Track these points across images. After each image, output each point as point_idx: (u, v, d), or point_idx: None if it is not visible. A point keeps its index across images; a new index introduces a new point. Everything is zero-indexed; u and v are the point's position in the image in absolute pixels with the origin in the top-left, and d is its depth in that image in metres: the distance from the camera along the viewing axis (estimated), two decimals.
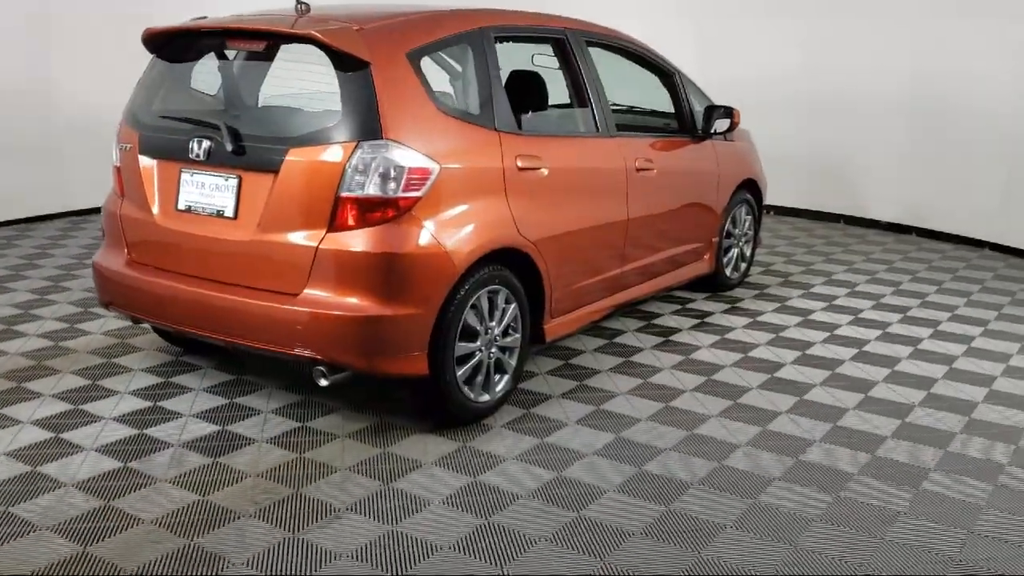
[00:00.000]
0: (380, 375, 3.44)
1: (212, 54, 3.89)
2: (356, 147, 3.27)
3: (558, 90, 4.52)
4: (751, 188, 5.89)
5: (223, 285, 3.51)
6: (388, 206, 3.29)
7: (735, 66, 8.84)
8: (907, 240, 7.88)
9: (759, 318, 5.29)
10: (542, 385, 4.13)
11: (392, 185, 3.29)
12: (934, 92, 7.71)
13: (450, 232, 3.42)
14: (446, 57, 4.01)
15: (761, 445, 3.58)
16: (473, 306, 3.59)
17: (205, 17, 3.86)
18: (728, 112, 5.17)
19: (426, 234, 3.35)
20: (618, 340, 4.80)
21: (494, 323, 3.71)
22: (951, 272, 6.66)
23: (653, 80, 5.18)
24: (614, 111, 5.69)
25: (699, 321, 5.19)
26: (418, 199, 3.33)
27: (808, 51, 8.45)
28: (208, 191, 3.55)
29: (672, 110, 5.24)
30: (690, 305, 5.51)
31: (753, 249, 6.08)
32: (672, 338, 4.87)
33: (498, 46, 3.89)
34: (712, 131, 5.23)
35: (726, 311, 5.41)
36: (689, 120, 5.18)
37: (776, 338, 4.92)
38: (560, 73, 4.41)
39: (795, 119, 8.54)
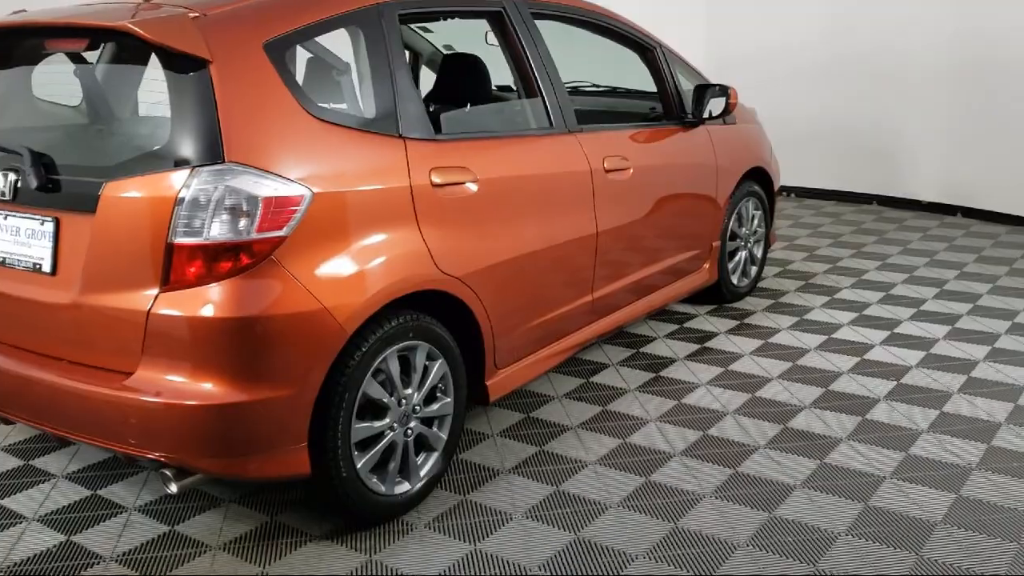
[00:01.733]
0: (244, 480, 2.59)
1: (54, 57, 3.05)
2: (190, 175, 2.40)
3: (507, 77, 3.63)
4: (759, 178, 4.94)
5: (43, 359, 2.68)
6: (239, 252, 2.43)
7: (749, 33, 7.85)
8: (952, 223, 6.85)
9: (772, 339, 4.36)
10: (488, 455, 3.26)
11: (243, 223, 2.42)
12: (980, 53, 6.66)
13: (332, 281, 2.55)
14: (326, 46, 3.09)
15: (763, 543, 2.69)
16: (379, 371, 2.74)
17: (24, 11, 3.01)
18: (723, 91, 4.22)
19: (295, 287, 2.47)
20: (596, 379, 3.90)
21: (411, 390, 2.85)
22: (1007, 263, 5.65)
23: (629, 58, 4.25)
24: (576, 99, 4.81)
25: (698, 347, 4.27)
26: (282, 240, 2.46)
27: (833, 11, 7.42)
28: (23, 239, 2.71)
29: (654, 93, 4.31)
30: (689, 324, 4.59)
31: (765, 249, 5.13)
32: (663, 373, 3.96)
33: (408, 26, 3.00)
34: (706, 114, 4.28)
35: (732, 330, 4.49)
36: (675, 104, 4.24)
37: (792, 369, 3.98)
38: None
39: (819, 89, 7.54)
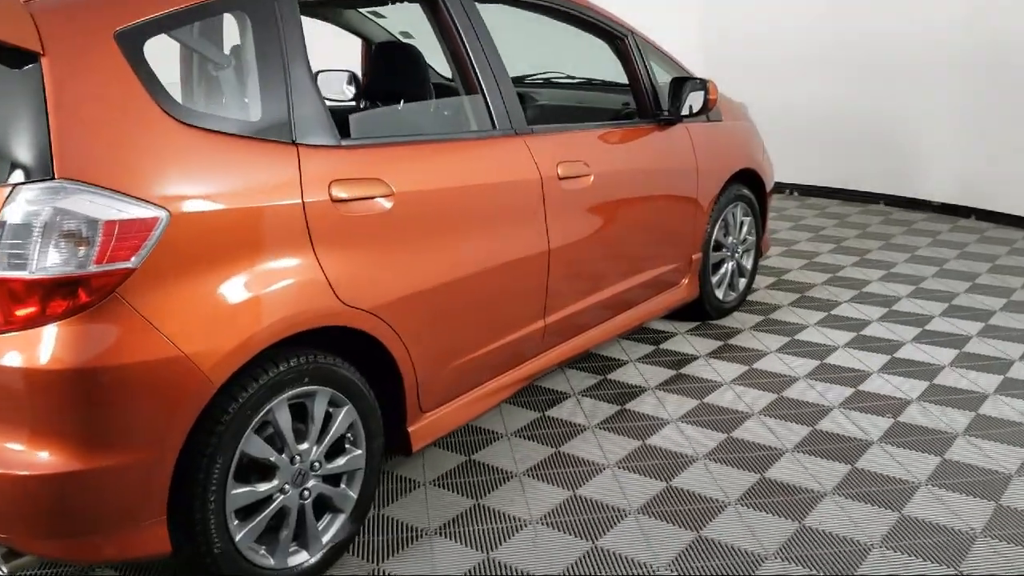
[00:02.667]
0: (87, 563, 2.17)
1: None
2: (11, 195, 1.96)
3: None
4: (750, 181, 4.45)
5: None
6: (76, 288, 1.98)
7: (748, 16, 7.33)
8: (965, 226, 6.34)
9: (758, 364, 3.88)
10: (413, 510, 2.81)
11: (80, 253, 1.97)
12: (998, 37, 6.12)
13: (194, 322, 2.10)
14: (201, 35, 2.60)
15: None
16: (266, 424, 2.30)
17: None
18: (702, 85, 3.74)
19: (147, 330, 2.03)
20: (552, 413, 3.45)
21: (307, 444, 2.41)
22: (1018, 271, 5.14)
23: (596, 48, 3.77)
24: (531, 96, 4.31)
25: (672, 373, 3.80)
26: (129, 272, 2.01)
27: None
28: None
29: (625, 88, 3.83)
30: (666, 344, 4.12)
31: (756, 259, 4.65)
32: (629, 406, 3.50)
33: (359, 11, 2.55)
34: (685, 111, 3.79)
35: (713, 353, 4.01)
36: (649, 100, 3.76)
37: (776, 403, 3.51)
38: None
39: (825, 78, 7.02)
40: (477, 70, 2.96)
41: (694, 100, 3.77)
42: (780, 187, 7.53)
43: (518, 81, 4.75)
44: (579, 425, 3.35)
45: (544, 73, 4.79)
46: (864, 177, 7.11)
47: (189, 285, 2.10)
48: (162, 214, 2.05)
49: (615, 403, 3.53)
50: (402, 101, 3.10)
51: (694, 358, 3.96)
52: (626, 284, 3.65)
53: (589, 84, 4.59)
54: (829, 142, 7.15)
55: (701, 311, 4.34)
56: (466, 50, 2.94)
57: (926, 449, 3.12)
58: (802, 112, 7.15)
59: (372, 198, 2.49)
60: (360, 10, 4.11)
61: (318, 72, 4.33)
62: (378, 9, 4.17)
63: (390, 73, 3.18)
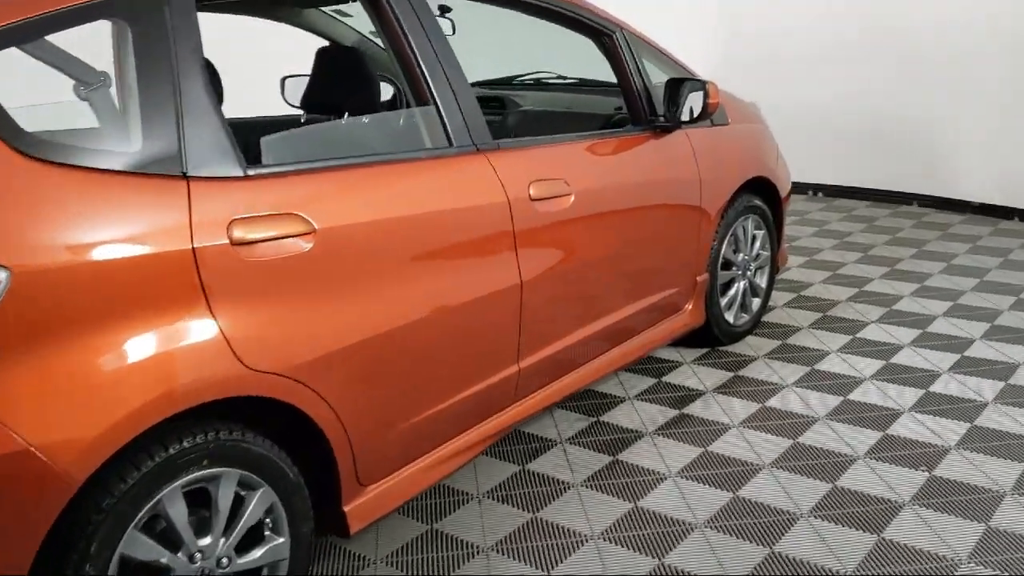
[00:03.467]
0: None
1: None
2: None
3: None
4: (762, 190, 3.98)
5: None
6: None
7: (763, 10, 6.84)
8: (1008, 229, 5.80)
9: (771, 400, 3.42)
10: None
11: None
12: None
13: (47, 405, 1.70)
14: (62, 50, 2.15)
15: None
16: (156, 519, 1.90)
17: None
18: (700, 86, 3.27)
19: None
20: (534, 466, 3.01)
21: (211, 537, 2.00)
22: None
23: (579, 46, 3.32)
24: (509, 99, 3.87)
25: (675, 413, 3.35)
26: None
27: None
28: None
29: (615, 91, 3.39)
30: (669, 377, 3.67)
31: (772, 276, 4.17)
32: (623, 456, 3.05)
33: (212, 15, 2.13)
34: (685, 116, 3.32)
35: (722, 387, 3.56)
36: (643, 104, 3.30)
37: (792, 451, 3.05)
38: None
39: (854, 70, 6.51)
40: (428, 78, 2.52)
41: (694, 103, 3.31)
42: (804, 188, 7.03)
43: (504, 83, 4.34)
44: (563, 483, 2.91)
45: (534, 73, 4.36)
46: (896, 176, 6.59)
47: (39, 359, 1.69)
48: (0, 274, 1.64)
49: (606, 452, 3.08)
50: (346, 115, 2.68)
51: (699, 394, 3.51)
52: (619, 314, 3.21)
53: (583, 85, 4.15)
54: (857, 139, 6.63)
55: (710, 337, 3.88)
56: (414, 54, 2.50)
57: (966, 514, 2.64)
58: (829, 109, 6.65)
59: (286, 238, 2.06)
60: (323, 9, 3.69)
61: (285, 78, 3.96)
62: (343, 8, 3.76)
63: (331, 83, 2.76)
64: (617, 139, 3.23)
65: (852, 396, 3.43)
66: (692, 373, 3.71)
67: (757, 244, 4.00)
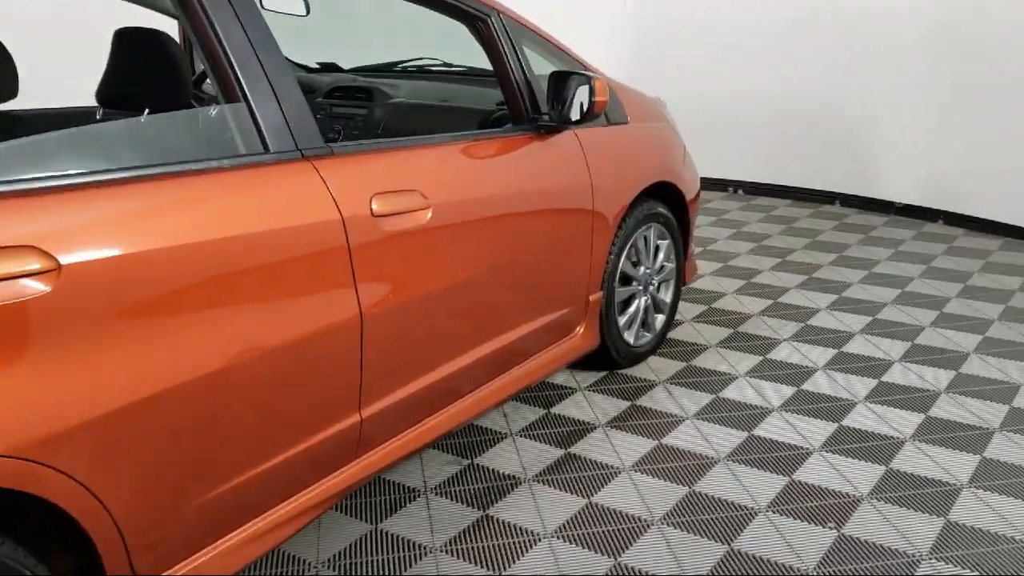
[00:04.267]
0: None
1: None
2: None
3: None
4: (667, 195, 3.60)
5: None
6: None
7: None
8: (932, 233, 5.54)
9: (670, 437, 3.03)
10: None
11: None
12: (972, 15, 5.31)
13: None
14: None
15: None
16: None
17: None
18: (585, 81, 2.85)
19: None
20: (389, 525, 2.57)
21: None
22: (1002, 298, 4.33)
23: (449, 32, 2.87)
24: (376, 89, 3.48)
25: (561, 453, 2.95)
26: None
27: None
28: None
29: (485, 86, 2.96)
30: (559, 408, 3.26)
31: (677, 289, 3.79)
32: (494, 510, 2.63)
33: None
34: (574, 115, 2.90)
35: (616, 421, 3.16)
36: (523, 101, 2.86)
37: (687, 501, 2.67)
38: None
39: (775, 61, 6.18)
40: (237, 67, 2.04)
41: (585, 99, 2.88)
42: (723, 185, 6.71)
43: (384, 69, 3.87)
44: (421, 546, 2.47)
45: (418, 60, 3.89)
46: (818, 174, 6.30)
47: None
48: None
49: (476, 507, 2.66)
50: (146, 112, 2.19)
51: (591, 428, 3.11)
52: (494, 344, 2.78)
53: (471, 75, 3.69)
54: (778, 135, 6.32)
55: (608, 359, 3.48)
56: (218, 37, 2.02)
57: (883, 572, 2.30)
58: (751, 100, 6.31)
59: (15, 278, 1.58)
60: None
61: None
62: None
63: (129, 72, 2.26)
64: (493, 141, 2.79)
65: (758, 432, 3.06)
66: (586, 402, 3.31)
67: (661, 255, 3.61)
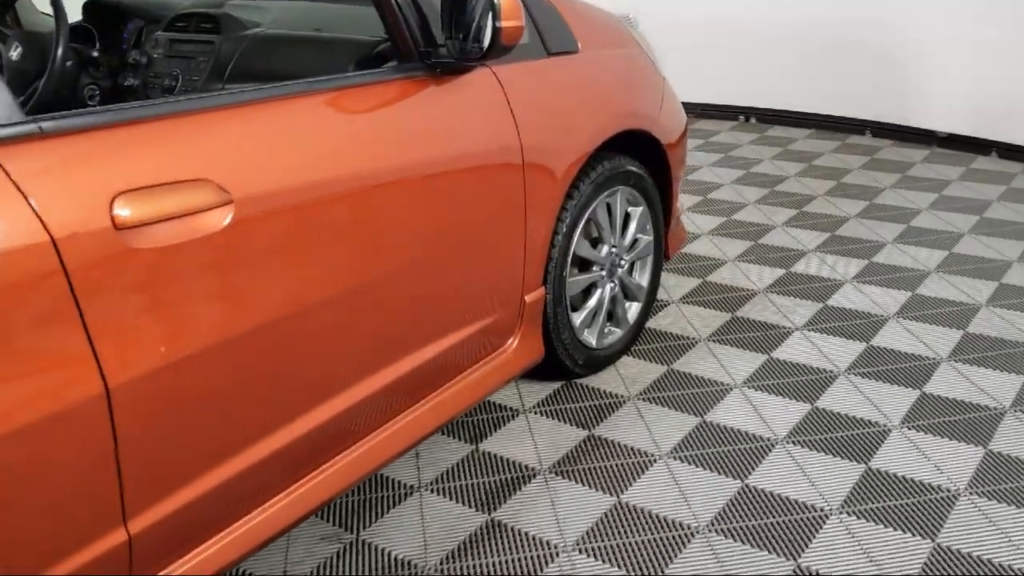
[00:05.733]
0: None
1: None
2: None
3: None
4: (640, 149, 2.71)
5: None
6: None
7: None
8: (984, 169, 4.56)
9: (630, 494, 2.22)
10: None
11: None
12: None
13: None
14: None
15: None
16: None
17: None
18: (489, 5, 1.93)
19: None
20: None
21: None
22: None
23: None
24: (206, 27, 2.65)
25: (481, 520, 2.14)
26: None
27: None
28: None
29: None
30: (493, 441, 2.44)
31: (656, 269, 2.92)
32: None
33: None
34: (485, 44, 1.99)
35: (563, 463, 2.34)
36: (406, 27, 1.97)
37: None
38: None
39: None
40: None
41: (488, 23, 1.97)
42: (733, 113, 5.74)
43: None
44: None
45: None
46: (845, 98, 5.30)
47: None
48: None
49: None
50: None
51: (531, 475, 2.29)
52: (365, 390, 1.94)
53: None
54: (799, 51, 5.31)
55: (562, 368, 2.65)
56: None
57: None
58: (763, 18, 5.31)
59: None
60: None
61: None
62: None
63: None
64: (360, 89, 1.90)
65: (753, 482, 2.23)
66: (527, 431, 2.49)
67: (632, 227, 2.74)
